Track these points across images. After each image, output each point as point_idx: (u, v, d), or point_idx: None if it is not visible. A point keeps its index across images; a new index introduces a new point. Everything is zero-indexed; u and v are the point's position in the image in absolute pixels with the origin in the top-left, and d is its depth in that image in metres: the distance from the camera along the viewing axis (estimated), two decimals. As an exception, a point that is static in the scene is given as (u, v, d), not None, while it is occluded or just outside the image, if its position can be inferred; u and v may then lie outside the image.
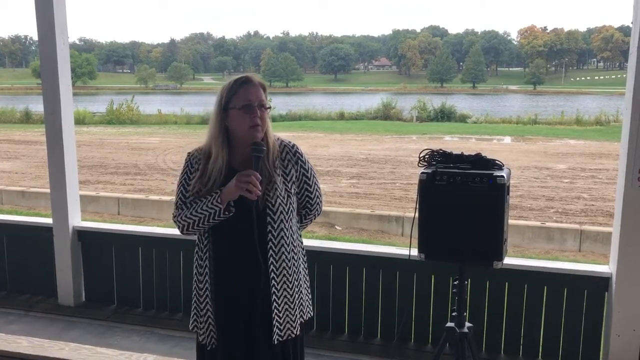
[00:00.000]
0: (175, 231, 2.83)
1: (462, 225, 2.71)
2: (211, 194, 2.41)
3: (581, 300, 3.92)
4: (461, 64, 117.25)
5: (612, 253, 3.87)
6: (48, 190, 5.10)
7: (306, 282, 2.65)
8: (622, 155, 3.72)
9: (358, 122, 30.76)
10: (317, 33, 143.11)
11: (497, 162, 2.73)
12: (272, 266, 2.46)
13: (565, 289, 3.94)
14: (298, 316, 2.56)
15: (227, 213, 2.40)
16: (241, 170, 2.38)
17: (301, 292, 2.58)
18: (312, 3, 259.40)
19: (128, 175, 15.21)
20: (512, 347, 4.10)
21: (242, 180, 2.33)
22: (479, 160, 2.74)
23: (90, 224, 5.42)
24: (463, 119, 31.58)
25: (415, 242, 2.87)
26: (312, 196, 2.60)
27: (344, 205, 11.44)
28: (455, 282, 2.90)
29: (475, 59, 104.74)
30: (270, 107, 2.50)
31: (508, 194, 2.72)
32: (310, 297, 2.69)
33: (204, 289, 2.53)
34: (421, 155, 2.84)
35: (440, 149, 2.84)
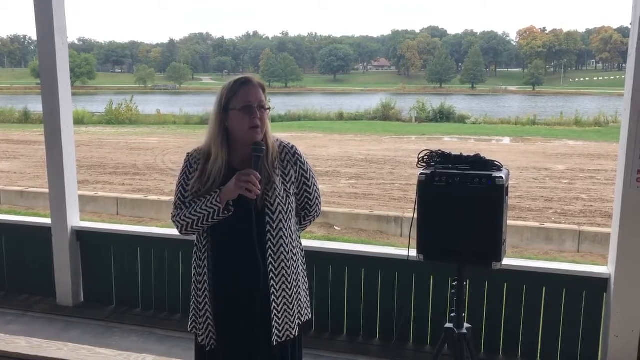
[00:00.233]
0: (174, 231, 2.83)
1: (461, 226, 2.71)
2: (210, 193, 2.42)
3: (580, 301, 3.92)
4: (460, 64, 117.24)
5: (610, 254, 3.87)
6: (47, 190, 5.09)
7: (305, 283, 2.65)
8: (621, 156, 3.72)
9: (357, 123, 30.72)
10: (316, 33, 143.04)
11: (496, 162, 2.73)
12: (270, 266, 2.46)
13: (564, 290, 3.95)
14: (297, 317, 2.55)
15: (226, 213, 2.40)
16: (241, 170, 2.39)
17: (300, 292, 2.58)
18: (311, 3, 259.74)
19: (127, 175, 15.19)
20: (511, 348, 4.10)
21: (242, 180, 2.34)
22: (477, 161, 2.74)
23: (89, 224, 5.40)
24: (462, 119, 31.57)
25: (414, 242, 2.88)
26: (311, 197, 2.61)
27: (343, 205, 11.43)
28: (454, 283, 2.90)
29: (474, 60, 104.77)
30: (269, 108, 2.51)
31: (507, 194, 2.72)
32: (308, 299, 2.69)
33: (203, 289, 2.53)
34: (420, 156, 2.84)
35: (439, 150, 2.84)
